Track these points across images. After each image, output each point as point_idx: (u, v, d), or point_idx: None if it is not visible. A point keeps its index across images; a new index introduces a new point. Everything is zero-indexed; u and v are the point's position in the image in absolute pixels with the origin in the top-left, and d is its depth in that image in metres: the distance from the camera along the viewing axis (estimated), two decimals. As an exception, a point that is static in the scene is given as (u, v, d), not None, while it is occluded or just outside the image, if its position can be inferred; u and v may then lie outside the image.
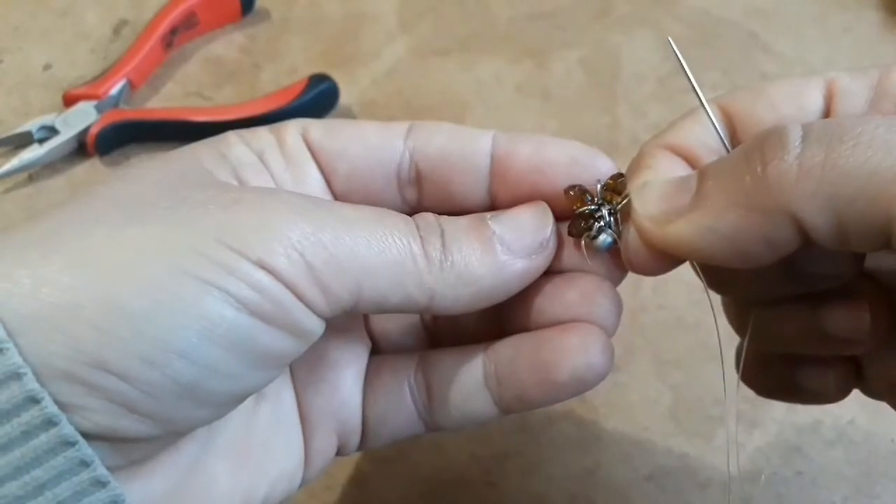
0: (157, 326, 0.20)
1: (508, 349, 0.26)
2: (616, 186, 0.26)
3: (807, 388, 0.28)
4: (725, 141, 0.25)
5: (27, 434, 0.19)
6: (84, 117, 0.47)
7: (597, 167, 0.26)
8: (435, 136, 0.26)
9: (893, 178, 0.19)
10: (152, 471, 0.23)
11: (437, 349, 0.28)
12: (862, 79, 0.24)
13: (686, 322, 0.41)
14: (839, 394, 0.28)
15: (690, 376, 0.40)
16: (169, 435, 0.22)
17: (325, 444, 0.27)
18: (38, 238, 0.21)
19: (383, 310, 0.24)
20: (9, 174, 0.46)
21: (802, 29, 0.52)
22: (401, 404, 0.28)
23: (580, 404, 0.39)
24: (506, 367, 0.26)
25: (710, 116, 0.25)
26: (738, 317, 0.29)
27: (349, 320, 0.28)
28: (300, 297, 0.21)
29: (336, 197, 0.26)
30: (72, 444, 0.19)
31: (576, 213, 0.26)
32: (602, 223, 0.25)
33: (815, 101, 0.25)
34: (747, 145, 0.22)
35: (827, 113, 0.25)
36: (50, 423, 0.19)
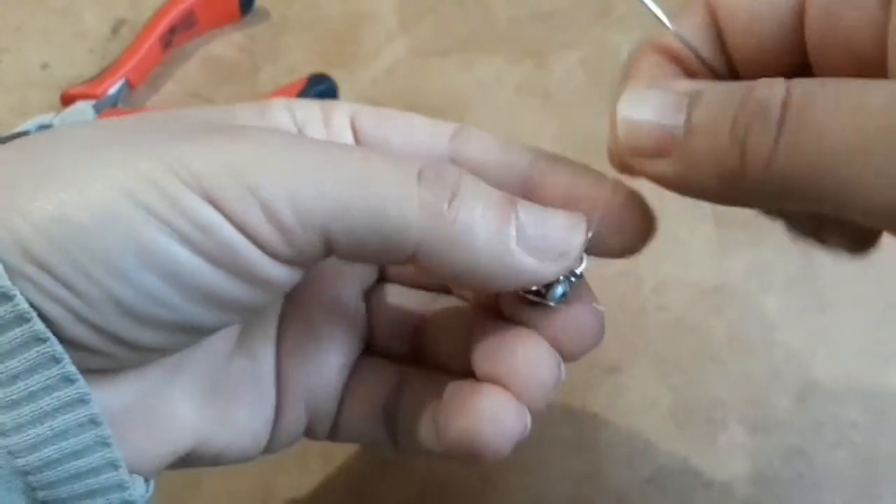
0: (98, 244, 0.20)
1: (450, 392, 0.25)
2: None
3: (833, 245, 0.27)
4: (710, 61, 0.25)
5: (2, 327, 0.20)
6: (82, 117, 0.47)
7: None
8: (479, 143, 0.26)
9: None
10: (113, 384, 0.23)
11: (414, 374, 0.28)
12: None
13: (686, 323, 0.41)
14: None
15: (691, 378, 0.40)
16: (126, 353, 0.22)
17: (296, 421, 0.27)
18: (27, 152, 0.21)
19: (362, 256, 0.22)
20: (6, 174, 0.46)
21: (803, 29, 0.51)
22: (373, 420, 0.28)
23: (580, 405, 0.39)
24: (442, 409, 0.25)
25: (683, 40, 0.24)
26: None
27: (352, 312, 0.28)
28: (255, 240, 0.21)
29: None
30: (43, 340, 0.20)
31: None
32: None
33: None
34: (736, 115, 0.21)
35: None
36: (22, 318, 0.20)
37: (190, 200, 0.20)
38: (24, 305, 0.20)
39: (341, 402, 0.28)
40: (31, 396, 0.20)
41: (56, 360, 0.20)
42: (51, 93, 0.49)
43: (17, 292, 0.19)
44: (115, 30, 0.53)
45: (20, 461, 0.20)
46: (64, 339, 0.20)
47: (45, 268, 0.20)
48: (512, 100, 0.50)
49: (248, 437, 0.27)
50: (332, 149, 0.22)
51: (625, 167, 0.24)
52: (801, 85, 0.20)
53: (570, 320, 0.25)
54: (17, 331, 0.20)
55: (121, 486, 0.22)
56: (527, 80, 0.50)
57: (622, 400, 0.39)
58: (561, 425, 0.39)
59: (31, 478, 0.21)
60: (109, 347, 0.21)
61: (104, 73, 0.49)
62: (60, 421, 0.21)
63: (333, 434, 0.28)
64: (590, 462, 0.38)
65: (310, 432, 0.28)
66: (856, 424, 0.38)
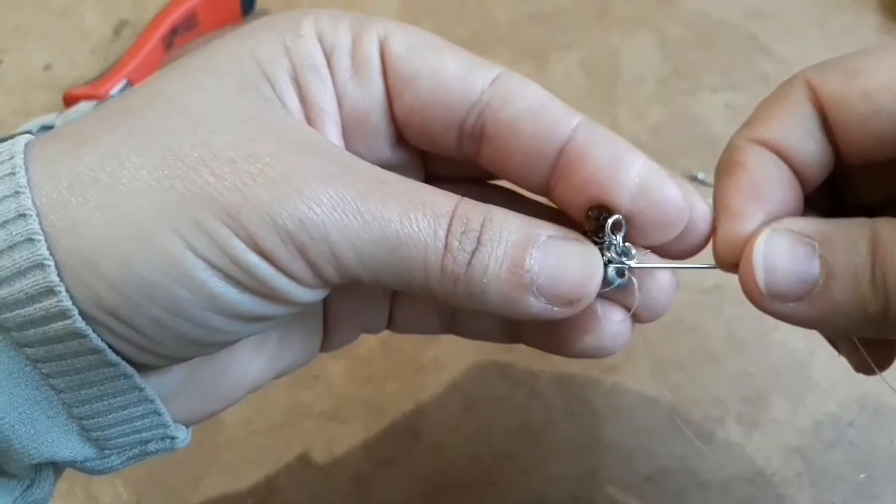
0: (167, 297, 0.21)
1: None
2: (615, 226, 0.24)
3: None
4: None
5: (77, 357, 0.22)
6: (84, 117, 0.47)
7: (664, 200, 0.24)
8: (516, 99, 0.25)
9: None
10: (163, 372, 0.25)
11: None
12: None
13: (686, 324, 0.41)
14: None
15: (690, 378, 0.40)
16: (174, 363, 0.24)
17: (345, 338, 0.30)
18: (82, 157, 0.21)
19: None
20: (9, 174, 0.46)
21: (802, 31, 0.52)
22: (427, 316, 0.30)
23: (580, 405, 0.39)
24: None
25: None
26: None
27: None
28: (298, 282, 0.22)
29: (395, 120, 0.25)
30: (114, 365, 0.22)
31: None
32: (611, 255, 0.24)
33: None
34: (873, 263, 0.22)
35: None
36: (94, 350, 0.21)
37: (246, 254, 0.21)
38: (98, 342, 0.21)
39: (393, 308, 0.30)
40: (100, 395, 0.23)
41: (111, 365, 0.22)
42: (53, 93, 0.49)
43: (90, 332, 0.21)
44: (117, 31, 0.53)
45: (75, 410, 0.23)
46: (128, 361, 0.23)
47: (113, 314, 0.21)
48: (512, 100, 0.50)
49: (296, 364, 0.29)
50: (373, 208, 0.22)
51: (759, 305, 0.24)
52: None
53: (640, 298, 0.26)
54: (91, 358, 0.22)
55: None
56: (527, 81, 0.50)
57: (622, 399, 0.40)
58: (561, 425, 0.39)
59: (84, 422, 0.23)
60: (166, 364, 0.24)
61: (106, 74, 0.49)
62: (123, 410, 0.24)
63: (390, 328, 0.30)
64: (590, 461, 0.38)
65: (366, 332, 0.30)
66: (853, 424, 0.39)
